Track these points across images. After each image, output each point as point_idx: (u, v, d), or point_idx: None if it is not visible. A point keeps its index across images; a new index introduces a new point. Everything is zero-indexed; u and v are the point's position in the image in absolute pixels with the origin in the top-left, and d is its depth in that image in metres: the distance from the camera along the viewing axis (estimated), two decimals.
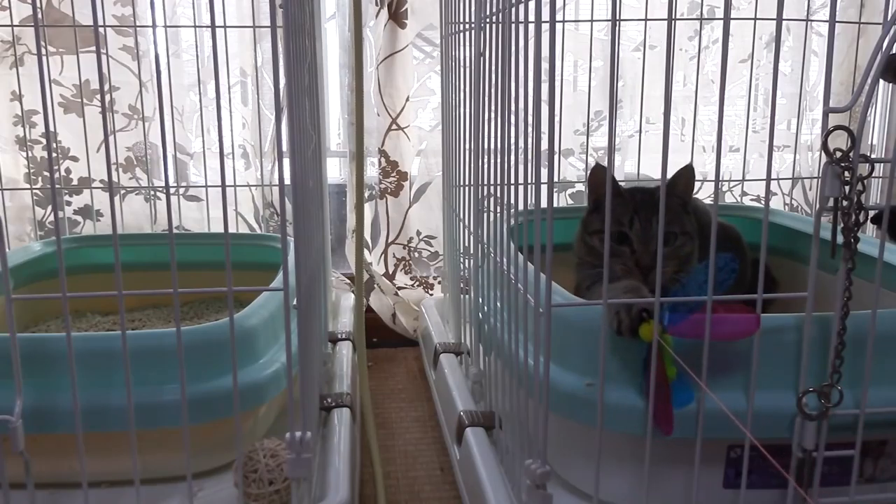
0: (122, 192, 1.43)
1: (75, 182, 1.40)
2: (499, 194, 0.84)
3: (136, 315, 1.24)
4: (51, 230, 1.41)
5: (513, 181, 0.78)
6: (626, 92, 1.48)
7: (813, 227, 0.63)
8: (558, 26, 1.30)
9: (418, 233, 1.55)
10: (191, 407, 0.68)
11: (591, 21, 1.39)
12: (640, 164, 1.43)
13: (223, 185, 0.63)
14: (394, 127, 1.45)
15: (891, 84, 0.98)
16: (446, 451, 1.05)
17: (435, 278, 1.56)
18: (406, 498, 0.98)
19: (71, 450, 0.69)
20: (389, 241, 1.53)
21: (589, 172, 0.89)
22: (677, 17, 1.46)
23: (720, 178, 0.67)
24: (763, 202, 0.71)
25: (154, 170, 1.43)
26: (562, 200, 1.52)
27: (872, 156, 0.94)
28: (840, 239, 0.64)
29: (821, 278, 0.65)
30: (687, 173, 0.90)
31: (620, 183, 0.98)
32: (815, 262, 0.64)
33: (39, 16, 1.31)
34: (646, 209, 0.89)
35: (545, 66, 0.62)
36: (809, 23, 1.47)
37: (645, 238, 0.88)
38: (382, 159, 1.47)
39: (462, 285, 1.17)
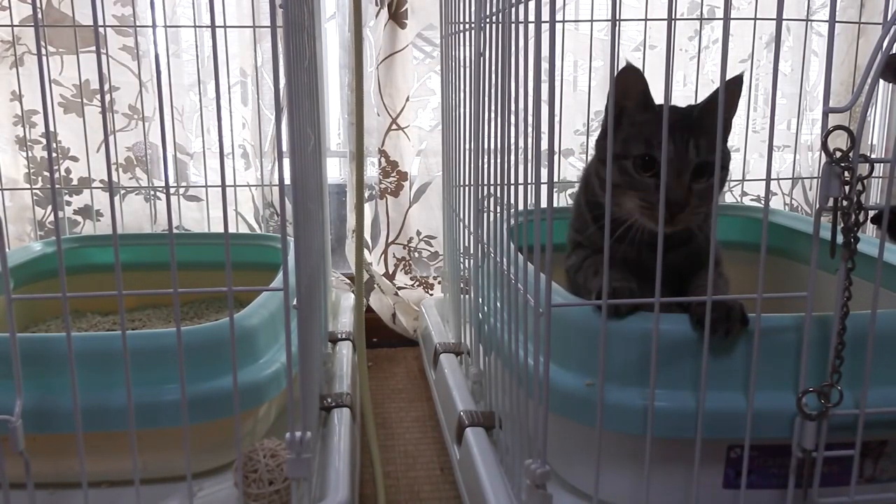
0: (122, 192, 1.43)
1: (75, 182, 1.40)
2: (499, 194, 0.84)
3: (136, 315, 1.24)
4: (51, 230, 1.41)
5: (513, 181, 0.78)
6: None
7: (813, 227, 0.63)
8: (558, 26, 1.30)
9: (418, 233, 1.55)
10: (191, 407, 0.68)
11: (591, 21, 1.39)
12: None
13: (223, 185, 0.63)
14: (394, 127, 1.45)
15: (891, 84, 0.98)
16: (446, 451, 1.05)
17: (435, 278, 1.56)
18: (406, 498, 0.98)
19: (71, 450, 0.69)
20: (389, 241, 1.53)
21: (616, 75, 0.66)
22: (677, 17, 1.46)
23: None
24: (763, 202, 0.70)
25: (154, 170, 1.43)
26: (562, 200, 1.52)
27: (872, 156, 0.94)
28: (840, 239, 0.64)
29: (821, 278, 0.65)
30: (733, 86, 0.73)
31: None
32: (815, 262, 0.64)
33: (39, 16, 1.31)
34: (682, 130, 0.72)
35: (545, 66, 0.62)
36: (809, 23, 1.47)
37: (679, 167, 0.73)
38: (382, 159, 1.47)
39: (462, 285, 1.17)
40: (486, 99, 0.87)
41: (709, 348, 0.65)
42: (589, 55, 1.40)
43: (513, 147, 0.76)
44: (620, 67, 0.74)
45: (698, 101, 0.80)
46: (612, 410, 0.69)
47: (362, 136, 1.08)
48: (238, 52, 1.41)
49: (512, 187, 0.78)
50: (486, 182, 0.91)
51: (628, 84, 0.76)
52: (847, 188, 0.61)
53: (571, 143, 1.50)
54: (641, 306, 0.71)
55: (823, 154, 0.62)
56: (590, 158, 1.06)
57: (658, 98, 0.72)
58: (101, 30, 1.19)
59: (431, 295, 1.53)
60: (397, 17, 1.40)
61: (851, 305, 0.65)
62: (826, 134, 0.62)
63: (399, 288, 1.53)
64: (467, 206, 1.07)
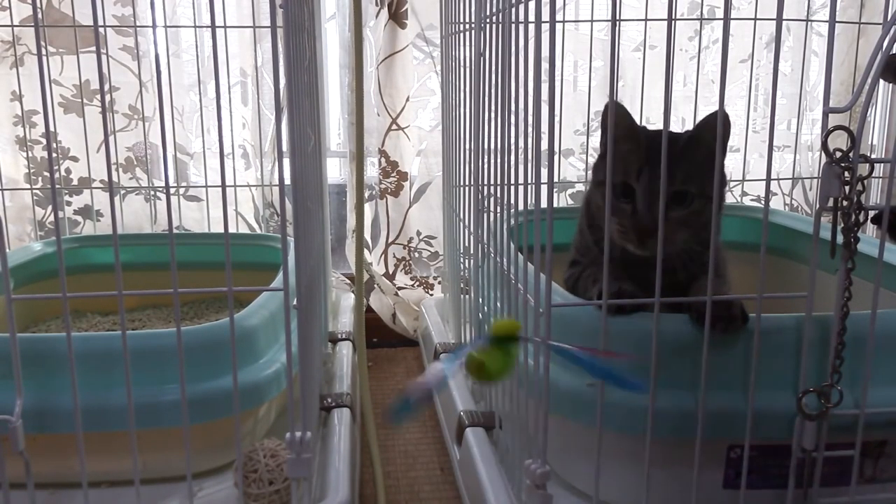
0: (122, 192, 1.43)
1: (75, 182, 1.40)
2: (499, 194, 0.84)
3: (136, 315, 1.24)
4: (51, 230, 1.41)
5: (513, 181, 0.78)
6: (626, 92, 1.48)
7: (813, 227, 0.63)
8: (558, 26, 1.30)
9: (418, 233, 1.55)
10: (191, 407, 0.68)
11: (591, 21, 1.39)
12: None
13: (223, 185, 0.63)
14: (394, 127, 1.45)
15: (891, 84, 0.98)
16: (446, 451, 1.05)
17: (435, 278, 1.56)
18: (406, 498, 0.98)
19: (71, 450, 0.69)
20: (389, 241, 1.53)
21: (604, 108, 0.66)
22: (677, 17, 1.46)
23: None
24: (763, 202, 0.70)
25: (154, 170, 1.43)
26: (562, 200, 1.52)
27: (872, 156, 0.94)
28: (840, 239, 0.64)
29: (821, 278, 0.65)
30: (721, 118, 0.66)
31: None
32: (816, 262, 0.64)
33: (39, 16, 1.31)
34: (660, 158, 0.67)
35: (545, 66, 0.62)
36: (809, 23, 1.47)
37: (650, 194, 0.74)
38: (382, 159, 1.47)
39: (462, 285, 1.17)
40: (487, 99, 0.87)
41: (709, 348, 0.65)
42: (589, 55, 1.40)
43: (513, 147, 0.76)
44: (606, 104, 0.74)
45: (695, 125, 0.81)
46: (612, 410, 0.69)
47: (362, 136, 1.07)
48: (238, 52, 1.41)
49: (512, 187, 0.78)
50: (486, 182, 0.91)
51: (615, 118, 0.75)
52: (847, 188, 0.61)
53: (571, 143, 1.50)
54: (642, 308, 0.71)
55: (823, 154, 0.62)
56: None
57: (657, 100, 0.72)
58: (101, 30, 1.19)
59: (431, 295, 1.53)
60: (397, 17, 1.40)
61: (851, 305, 0.65)
62: (826, 134, 0.62)
63: (399, 288, 1.53)
64: (467, 206, 1.07)
